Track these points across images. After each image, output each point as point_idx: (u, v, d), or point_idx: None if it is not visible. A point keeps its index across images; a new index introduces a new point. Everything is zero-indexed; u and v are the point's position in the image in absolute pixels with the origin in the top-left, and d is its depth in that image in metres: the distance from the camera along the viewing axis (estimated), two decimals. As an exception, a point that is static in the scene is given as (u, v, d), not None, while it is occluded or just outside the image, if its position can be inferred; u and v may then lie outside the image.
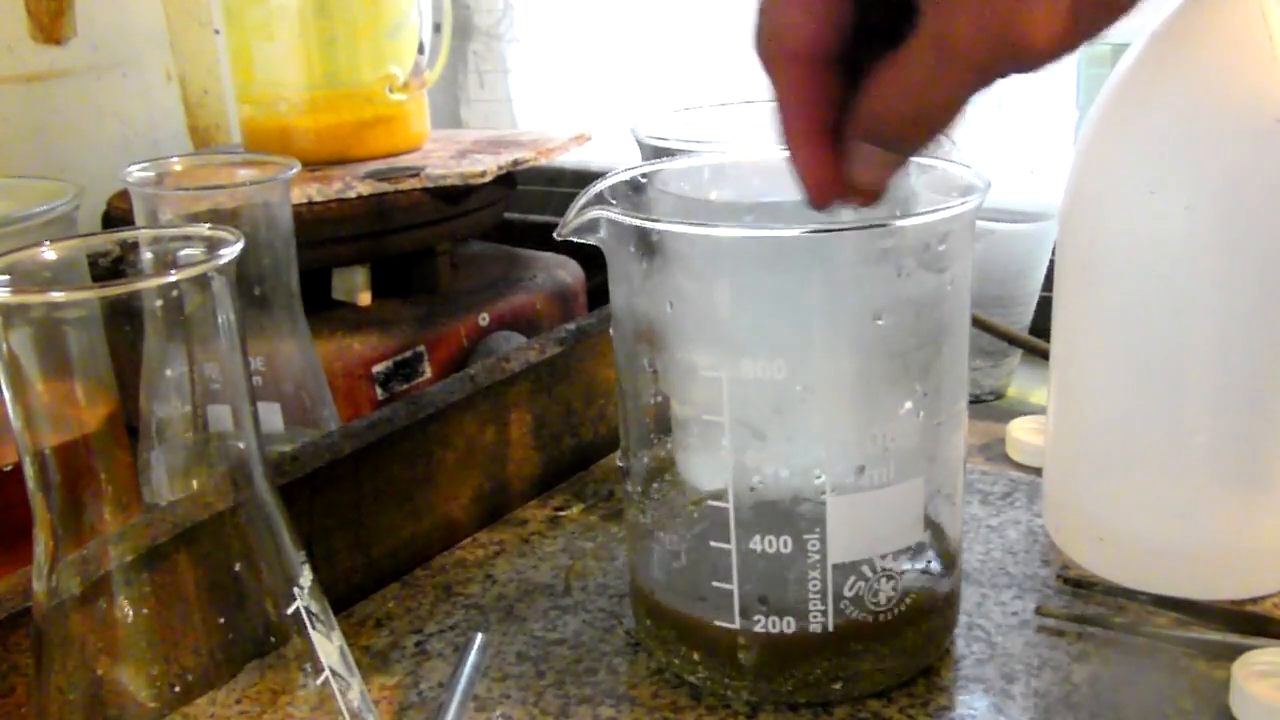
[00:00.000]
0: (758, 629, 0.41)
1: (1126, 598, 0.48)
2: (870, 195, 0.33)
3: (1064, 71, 0.76)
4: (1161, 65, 0.45)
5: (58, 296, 0.28)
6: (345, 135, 0.73)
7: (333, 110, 0.72)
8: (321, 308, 0.68)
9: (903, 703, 0.43)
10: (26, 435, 0.29)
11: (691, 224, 0.40)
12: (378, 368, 0.65)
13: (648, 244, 0.40)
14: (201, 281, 0.30)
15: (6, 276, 0.29)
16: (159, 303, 0.29)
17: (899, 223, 0.40)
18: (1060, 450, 0.52)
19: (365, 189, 0.67)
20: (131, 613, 0.31)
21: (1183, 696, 0.42)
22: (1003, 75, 0.27)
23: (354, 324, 0.67)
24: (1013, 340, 0.67)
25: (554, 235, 0.42)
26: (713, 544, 0.41)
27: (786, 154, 0.31)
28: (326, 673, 0.33)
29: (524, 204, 0.89)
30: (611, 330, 0.45)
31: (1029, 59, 0.26)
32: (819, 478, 0.40)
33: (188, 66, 0.87)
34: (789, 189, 0.37)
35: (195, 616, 0.33)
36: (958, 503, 0.44)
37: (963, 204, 0.39)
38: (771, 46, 0.29)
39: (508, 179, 0.75)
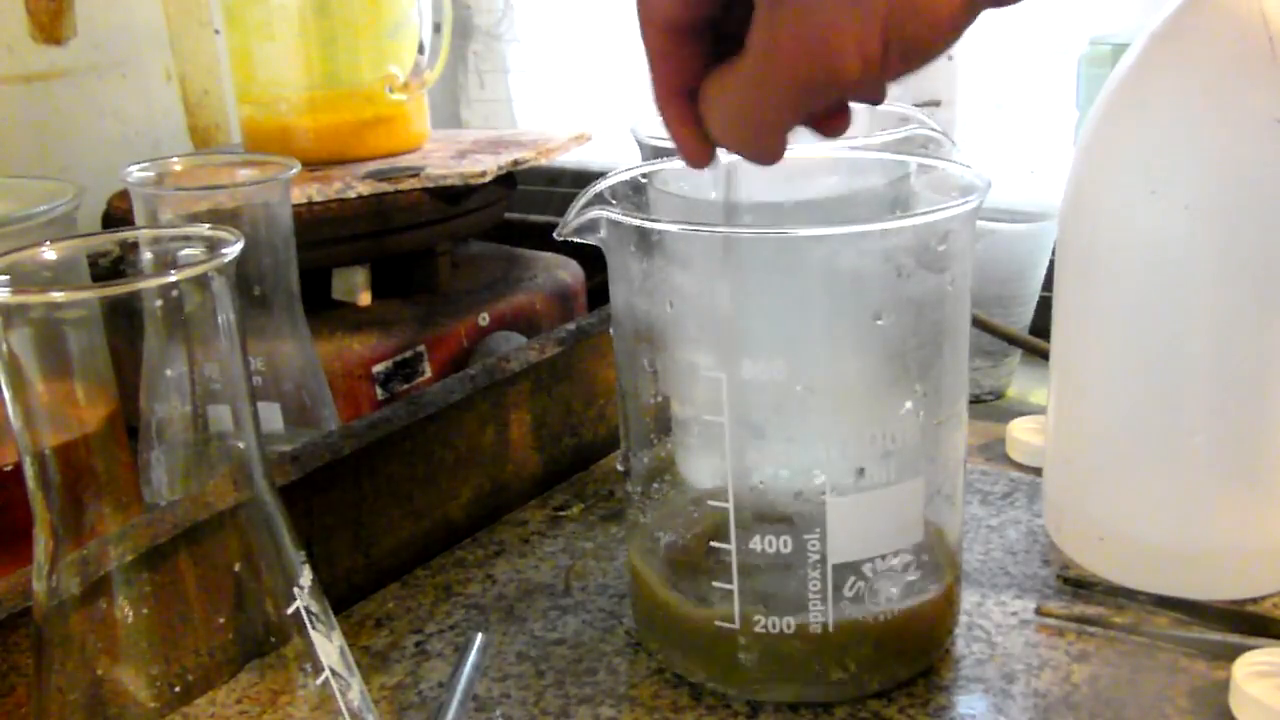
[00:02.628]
0: (758, 629, 0.41)
1: (1126, 598, 0.48)
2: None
3: (1064, 71, 0.76)
4: (1161, 65, 0.45)
5: (58, 296, 0.28)
6: (345, 135, 0.72)
7: (333, 110, 0.72)
8: (321, 308, 0.68)
9: (903, 703, 0.43)
10: (26, 435, 0.29)
11: (691, 224, 0.39)
12: (378, 368, 0.65)
13: (648, 244, 0.40)
14: (201, 281, 0.30)
15: (6, 276, 0.29)
16: (159, 303, 0.29)
17: (899, 223, 0.40)
18: (1060, 450, 0.52)
19: (365, 189, 0.67)
20: (131, 613, 0.31)
21: (1183, 696, 0.42)
22: (824, 97, 0.29)
23: (354, 324, 0.67)
24: (1013, 340, 0.67)
25: (554, 235, 0.42)
26: (713, 544, 0.41)
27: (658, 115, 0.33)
28: (326, 673, 0.33)
29: (524, 204, 0.89)
30: (611, 330, 0.45)
31: (842, 84, 0.28)
32: (819, 478, 0.40)
33: (188, 66, 0.87)
34: (789, 189, 0.37)
35: (195, 616, 0.33)
36: (958, 503, 0.44)
37: (963, 204, 0.39)
38: (642, 15, 0.31)
39: (508, 179, 0.75)
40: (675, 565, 0.45)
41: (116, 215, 0.70)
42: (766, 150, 0.32)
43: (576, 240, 0.42)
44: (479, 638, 0.47)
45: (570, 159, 0.81)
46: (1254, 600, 0.48)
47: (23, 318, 0.28)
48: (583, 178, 0.65)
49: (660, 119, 0.33)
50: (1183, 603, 0.47)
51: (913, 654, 0.43)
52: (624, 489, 0.46)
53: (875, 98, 0.31)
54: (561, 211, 0.42)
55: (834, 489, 0.40)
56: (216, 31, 0.87)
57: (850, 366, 0.41)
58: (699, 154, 0.33)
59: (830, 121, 0.33)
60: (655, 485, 0.45)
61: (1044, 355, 0.58)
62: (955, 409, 0.43)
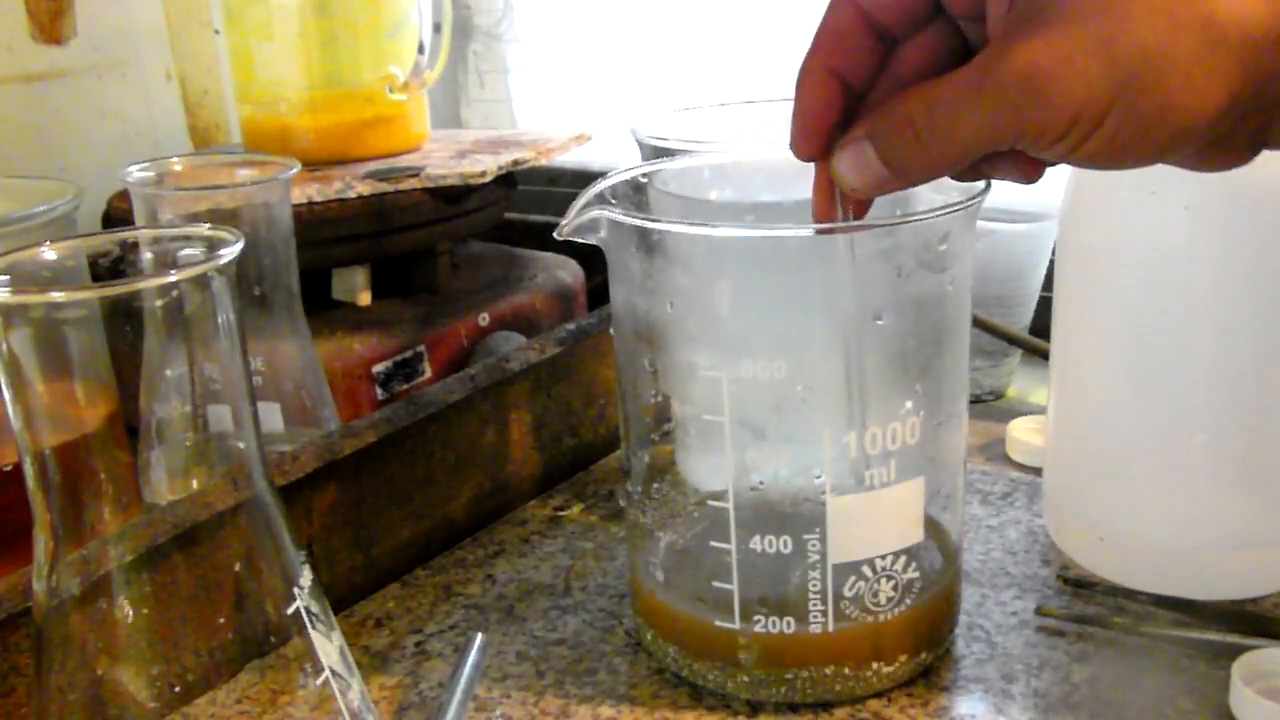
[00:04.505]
0: (758, 629, 0.41)
1: (1126, 598, 0.48)
2: (849, 199, 0.34)
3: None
4: (1161, 65, 0.45)
5: (58, 296, 0.28)
6: (345, 135, 0.72)
7: (333, 110, 0.72)
8: (321, 308, 0.68)
9: (903, 703, 0.43)
10: (26, 435, 0.29)
11: (691, 224, 0.40)
12: (378, 368, 0.65)
13: (648, 244, 0.40)
14: (201, 281, 0.30)
15: (6, 276, 0.29)
16: (159, 303, 0.29)
17: (899, 223, 0.40)
18: (1060, 450, 0.52)
19: (365, 189, 0.67)
20: (131, 613, 0.31)
21: (1183, 696, 0.42)
22: (1011, 142, 0.29)
23: (354, 324, 0.67)
24: (1013, 340, 0.67)
25: (554, 235, 0.42)
26: (713, 544, 0.41)
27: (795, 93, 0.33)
28: (326, 673, 0.33)
29: (524, 204, 0.89)
30: (611, 330, 0.45)
31: (1028, 136, 0.28)
32: (819, 478, 0.40)
33: (188, 66, 0.87)
34: (789, 189, 0.37)
35: (195, 616, 0.33)
36: (958, 503, 0.44)
37: (963, 204, 0.39)
38: None
39: (508, 179, 0.75)
40: (675, 565, 0.45)
41: (116, 215, 0.70)
42: (938, 158, 0.31)
43: (576, 240, 0.42)
44: (479, 638, 0.47)
45: (570, 159, 0.81)
46: (1254, 600, 0.48)
47: (23, 318, 0.28)
48: (583, 178, 0.65)
49: (796, 89, 0.32)
50: (1183, 603, 0.47)
51: (912, 654, 0.43)
52: (624, 489, 0.46)
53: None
54: (561, 211, 0.42)
55: (834, 489, 0.40)
56: (216, 31, 0.87)
57: (850, 367, 0.41)
58: (811, 143, 0.33)
59: (1022, 167, 0.32)
60: (655, 485, 0.45)
61: (1044, 355, 0.58)
62: (955, 409, 0.43)
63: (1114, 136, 0.27)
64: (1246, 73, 0.26)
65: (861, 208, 0.35)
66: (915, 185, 0.32)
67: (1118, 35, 0.26)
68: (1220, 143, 0.29)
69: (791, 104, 0.33)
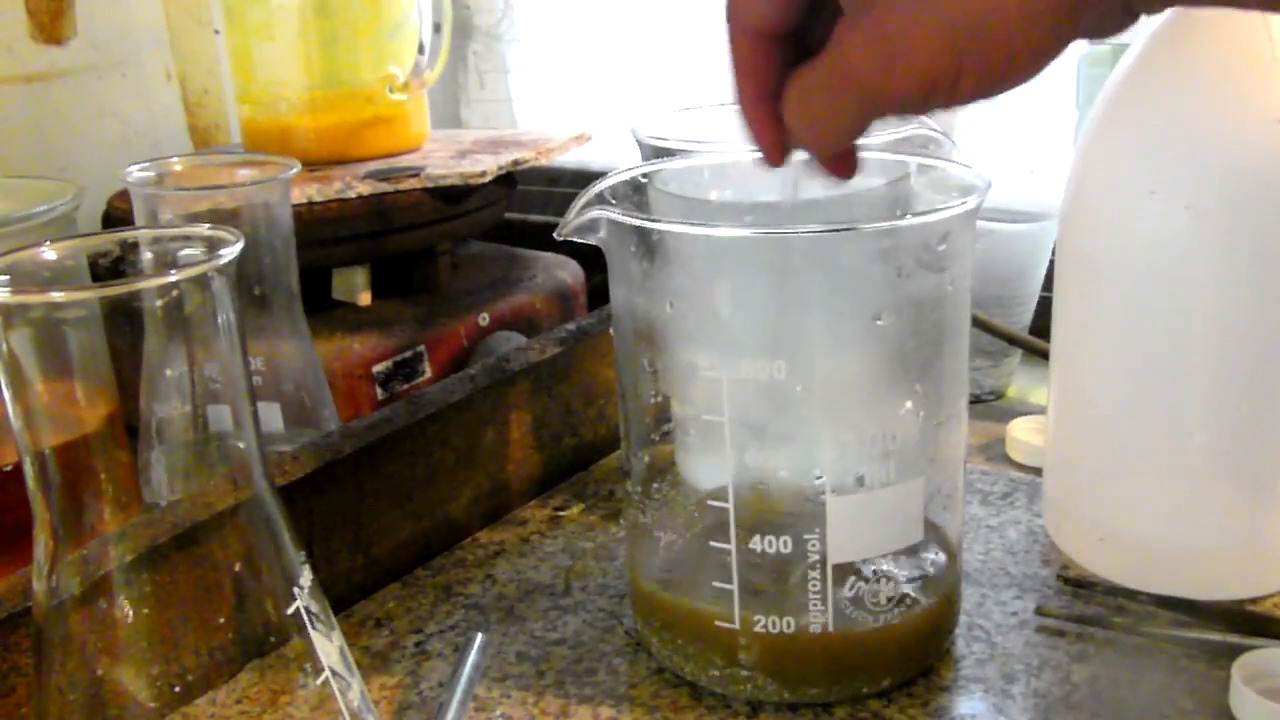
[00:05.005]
0: (758, 629, 0.41)
1: (1126, 598, 0.48)
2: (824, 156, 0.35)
3: (1064, 71, 0.76)
4: (1161, 65, 0.45)
5: (58, 296, 0.28)
6: (345, 135, 0.72)
7: (333, 110, 0.72)
8: (321, 308, 0.68)
9: (903, 703, 0.43)
10: (26, 435, 0.29)
11: (691, 224, 0.40)
12: (378, 368, 0.65)
13: (648, 244, 0.40)
14: (201, 281, 0.30)
15: (6, 276, 0.29)
16: (159, 303, 0.29)
17: (899, 223, 0.40)
18: (1060, 450, 0.52)
19: (365, 189, 0.67)
20: (131, 613, 0.31)
21: (1183, 696, 0.42)
22: (889, 108, 0.30)
23: (354, 324, 0.67)
24: (1013, 340, 0.67)
25: (554, 235, 0.42)
26: (713, 544, 0.41)
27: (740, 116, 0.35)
28: (326, 673, 0.33)
29: (524, 204, 0.89)
30: (611, 330, 0.45)
31: (904, 97, 0.29)
32: (819, 478, 0.40)
33: (188, 66, 0.87)
34: (789, 189, 0.37)
35: (195, 616, 0.33)
36: (958, 503, 0.44)
37: (963, 204, 0.39)
38: (732, 20, 0.33)
39: (508, 179, 0.75)
40: (675, 565, 0.45)
41: (116, 215, 0.70)
42: (835, 152, 0.34)
43: (576, 240, 0.42)
44: (479, 638, 0.47)
45: (570, 159, 0.81)
46: (1254, 600, 0.48)
47: (23, 318, 0.28)
48: (583, 178, 0.65)
49: (742, 119, 0.34)
50: (1183, 603, 0.47)
51: (913, 654, 0.43)
52: (624, 489, 0.46)
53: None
54: (561, 211, 0.42)
55: (834, 489, 0.40)
56: (216, 31, 0.87)
57: (850, 366, 0.41)
58: (776, 154, 0.34)
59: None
60: (655, 485, 0.45)
61: (1044, 355, 0.58)
62: (955, 409, 0.43)
63: (977, 84, 0.29)
64: None
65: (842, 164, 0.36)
66: (843, 145, 0.33)
67: (945, 5, 0.28)
68: (1087, 29, 0.29)
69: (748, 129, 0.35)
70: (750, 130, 0.34)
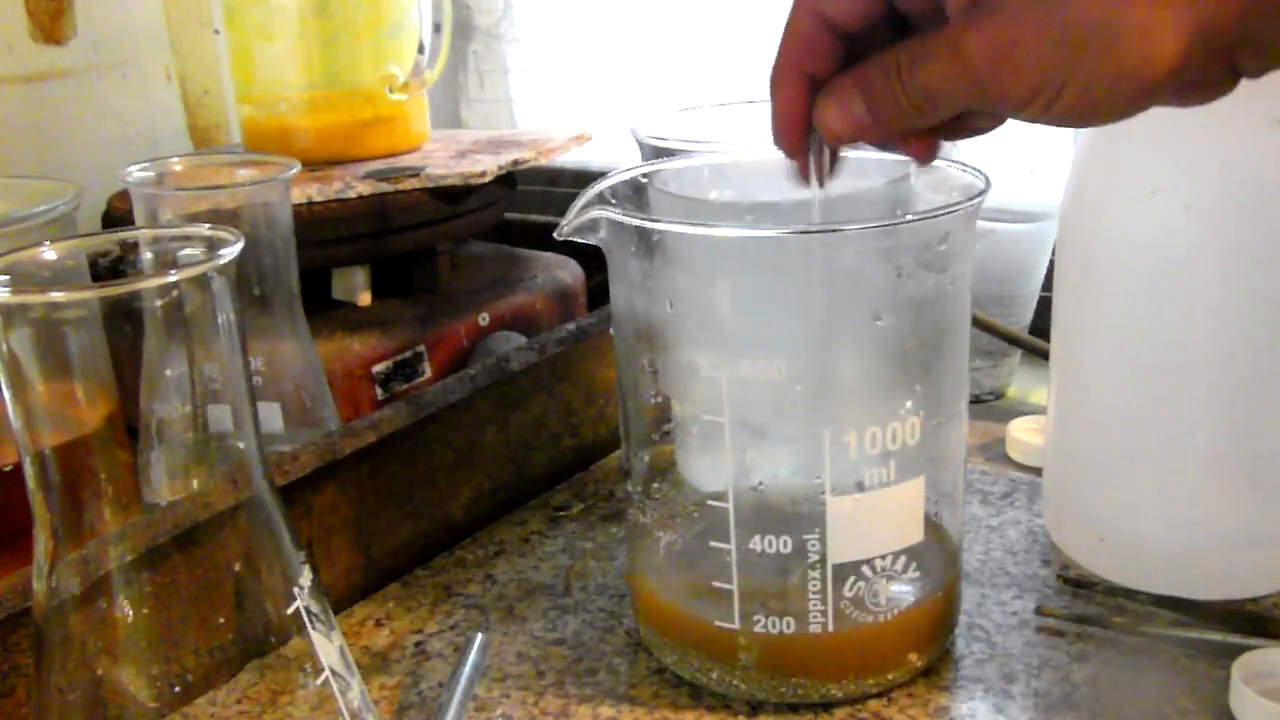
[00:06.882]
0: (758, 629, 0.41)
1: (1126, 598, 0.48)
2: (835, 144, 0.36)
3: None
4: (1161, 65, 0.45)
5: (58, 296, 0.28)
6: (345, 135, 0.72)
7: (333, 110, 0.72)
8: (321, 308, 0.68)
9: (903, 703, 0.43)
10: (26, 435, 0.29)
11: (691, 224, 0.40)
12: (378, 368, 0.65)
13: (648, 244, 0.40)
14: (201, 281, 0.30)
15: (6, 276, 0.29)
16: (159, 303, 0.29)
17: (899, 223, 0.40)
18: (1060, 450, 0.52)
19: (365, 189, 0.67)
20: (131, 613, 0.31)
21: (1183, 696, 0.42)
22: (982, 107, 0.31)
23: (354, 324, 0.67)
24: (1013, 340, 0.67)
25: (554, 235, 0.42)
26: (713, 544, 0.41)
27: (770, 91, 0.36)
28: (326, 673, 0.33)
29: (524, 204, 0.89)
30: (611, 330, 0.45)
31: (1004, 102, 0.30)
32: (819, 478, 0.40)
33: (188, 66, 0.87)
34: (789, 189, 0.37)
35: (195, 616, 0.33)
36: (958, 503, 0.44)
37: (963, 204, 0.39)
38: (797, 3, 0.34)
39: (508, 179, 0.75)
40: (675, 565, 0.45)
41: (116, 215, 0.70)
42: (914, 134, 0.34)
43: (576, 240, 0.42)
44: (479, 638, 0.47)
45: (570, 159, 0.81)
46: (1254, 600, 0.48)
47: (23, 318, 0.28)
48: (583, 178, 0.65)
49: (771, 91, 0.35)
50: (1183, 603, 0.47)
51: (912, 654, 0.43)
52: (624, 489, 0.46)
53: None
54: (561, 211, 0.42)
55: (834, 489, 0.40)
56: (216, 31, 0.87)
57: (850, 367, 0.41)
58: (793, 135, 0.35)
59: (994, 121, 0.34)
60: (655, 485, 0.45)
61: (1044, 355, 0.58)
62: (955, 409, 0.43)
63: (1077, 101, 0.29)
64: (1197, 26, 0.28)
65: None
66: (890, 138, 0.34)
67: (1069, 11, 0.28)
68: (1191, 85, 0.30)
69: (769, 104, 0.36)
70: (775, 104, 0.35)
